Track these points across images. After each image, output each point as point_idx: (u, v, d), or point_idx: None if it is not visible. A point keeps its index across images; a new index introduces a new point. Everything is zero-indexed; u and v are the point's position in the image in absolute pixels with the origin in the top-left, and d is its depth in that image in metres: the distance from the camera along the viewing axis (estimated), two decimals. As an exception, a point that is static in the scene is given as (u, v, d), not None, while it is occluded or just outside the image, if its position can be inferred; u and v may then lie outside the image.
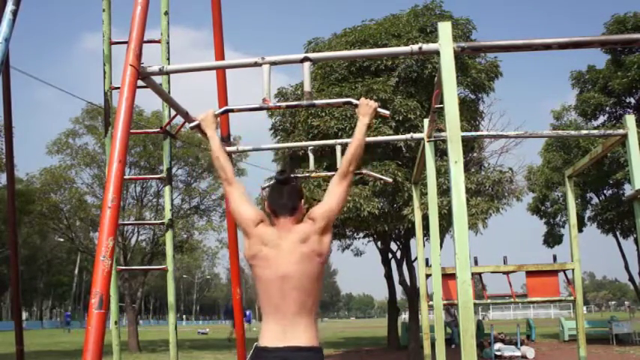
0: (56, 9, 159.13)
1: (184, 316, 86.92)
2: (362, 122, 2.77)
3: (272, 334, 2.54)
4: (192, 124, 3.20)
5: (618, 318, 20.78)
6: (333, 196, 2.67)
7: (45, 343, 23.48)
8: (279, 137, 13.93)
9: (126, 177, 4.74)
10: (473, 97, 13.70)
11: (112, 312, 4.30)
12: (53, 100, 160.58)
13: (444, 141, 3.18)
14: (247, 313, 21.18)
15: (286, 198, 2.67)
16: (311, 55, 3.07)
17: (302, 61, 3.04)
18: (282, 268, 2.55)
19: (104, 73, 4.29)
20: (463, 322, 2.60)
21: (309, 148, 5.27)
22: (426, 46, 2.96)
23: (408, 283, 15.05)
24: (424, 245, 6.12)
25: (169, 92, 4.08)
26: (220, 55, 4.97)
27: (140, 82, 3.10)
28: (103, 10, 4.35)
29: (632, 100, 18.52)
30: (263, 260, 2.59)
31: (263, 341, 2.55)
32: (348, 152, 2.70)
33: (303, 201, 2.73)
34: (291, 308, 2.54)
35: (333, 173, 6.81)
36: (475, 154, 13.88)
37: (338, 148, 4.83)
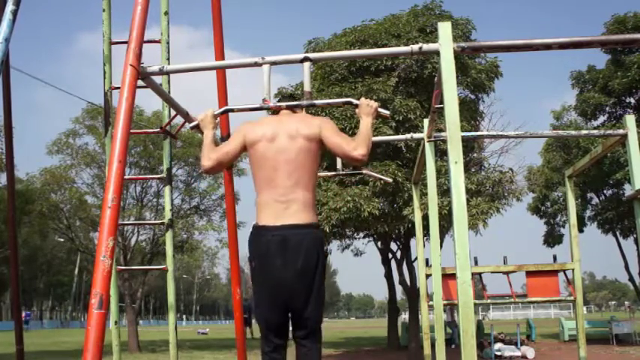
0: (50, 9, 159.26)
1: (184, 316, 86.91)
2: (366, 121, 2.78)
3: (269, 213, 2.60)
4: (191, 124, 3.20)
5: (618, 318, 20.77)
6: (335, 138, 2.74)
7: (45, 343, 23.48)
8: (279, 137, 13.91)
9: (126, 177, 4.74)
10: (473, 97, 13.70)
11: (112, 312, 4.30)
12: (48, 100, 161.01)
13: (444, 141, 3.17)
14: None
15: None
16: (311, 55, 3.07)
17: (302, 61, 3.04)
18: (278, 143, 2.68)
19: (104, 73, 4.29)
20: (463, 322, 2.60)
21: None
22: (426, 46, 2.96)
23: (408, 283, 15.04)
24: (424, 245, 6.11)
25: (169, 92, 4.08)
26: (220, 55, 4.96)
27: (140, 82, 3.10)
28: (103, 10, 4.35)
29: (632, 100, 18.50)
30: (262, 139, 2.72)
31: (261, 220, 2.61)
32: (362, 139, 2.73)
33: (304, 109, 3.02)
34: (286, 181, 2.60)
35: (333, 173, 6.84)
36: (475, 154, 13.87)
37: (338, 148, 4.82)
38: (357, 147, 2.69)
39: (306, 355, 2.67)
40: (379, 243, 16.24)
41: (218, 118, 3.14)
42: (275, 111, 2.99)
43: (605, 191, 20.33)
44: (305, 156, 2.67)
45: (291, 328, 2.75)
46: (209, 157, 2.83)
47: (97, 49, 4.41)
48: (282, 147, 2.66)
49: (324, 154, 2.82)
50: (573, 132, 5.99)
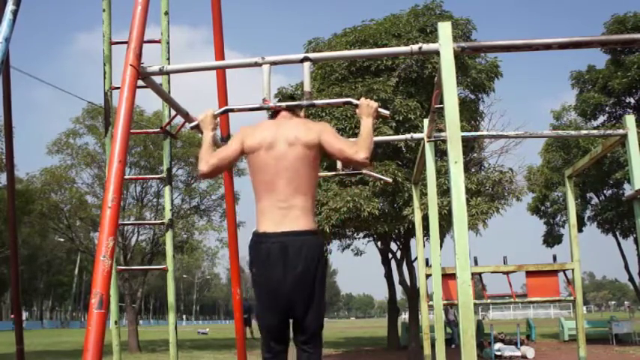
0: (48, 9, 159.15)
1: (184, 316, 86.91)
2: (366, 122, 2.78)
3: (269, 219, 2.62)
4: (191, 125, 3.19)
5: (618, 318, 20.77)
6: (335, 144, 2.73)
7: (45, 343, 23.47)
8: (279, 137, 13.91)
9: (126, 177, 4.74)
10: (473, 97, 13.69)
11: (112, 312, 4.30)
12: (46, 100, 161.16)
13: (444, 141, 3.18)
14: None
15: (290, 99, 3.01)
16: (311, 55, 3.07)
17: (302, 61, 3.04)
18: (277, 150, 2.69)
19: (104, 73, 4.29)
20: (463, 322, 2.60)
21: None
22: (426, 46, 2.96)
23: (408, 283, 15.04)
24: (424, 245, 6.12)
25: (169, 92, 4.08)
26: (220, 55, 4.96)
27: (140, 82, 3.10)
28: (103, 10, 4.35)
29: (632, 100, 18.50)
30: (261, 146, 2.73)
31: (261, 227, 2.63)
32: (363, 140, 2.72)
33: (304, 111, 3.02)
34: (286, 188, 2.63)
35: (333, 173, 6.84)
36: (475, 154, 13.87)
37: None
38: (358, 150, 2.68)
39: (307, 359, 2.69)
40: (379, 243, 16.23)
41: (218, 119, 3.14)
42: (274, 113, 2.98)
43: (605, 191, 20.33)
44: (304, 163, 2.67)
45: (292, 332, 2.77)
46: (207, 161, 2.81)
47: (97, 48, 4.39)
48: (281, 154, 2.67)
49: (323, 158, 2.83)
50: (573, 132, 5.99)
